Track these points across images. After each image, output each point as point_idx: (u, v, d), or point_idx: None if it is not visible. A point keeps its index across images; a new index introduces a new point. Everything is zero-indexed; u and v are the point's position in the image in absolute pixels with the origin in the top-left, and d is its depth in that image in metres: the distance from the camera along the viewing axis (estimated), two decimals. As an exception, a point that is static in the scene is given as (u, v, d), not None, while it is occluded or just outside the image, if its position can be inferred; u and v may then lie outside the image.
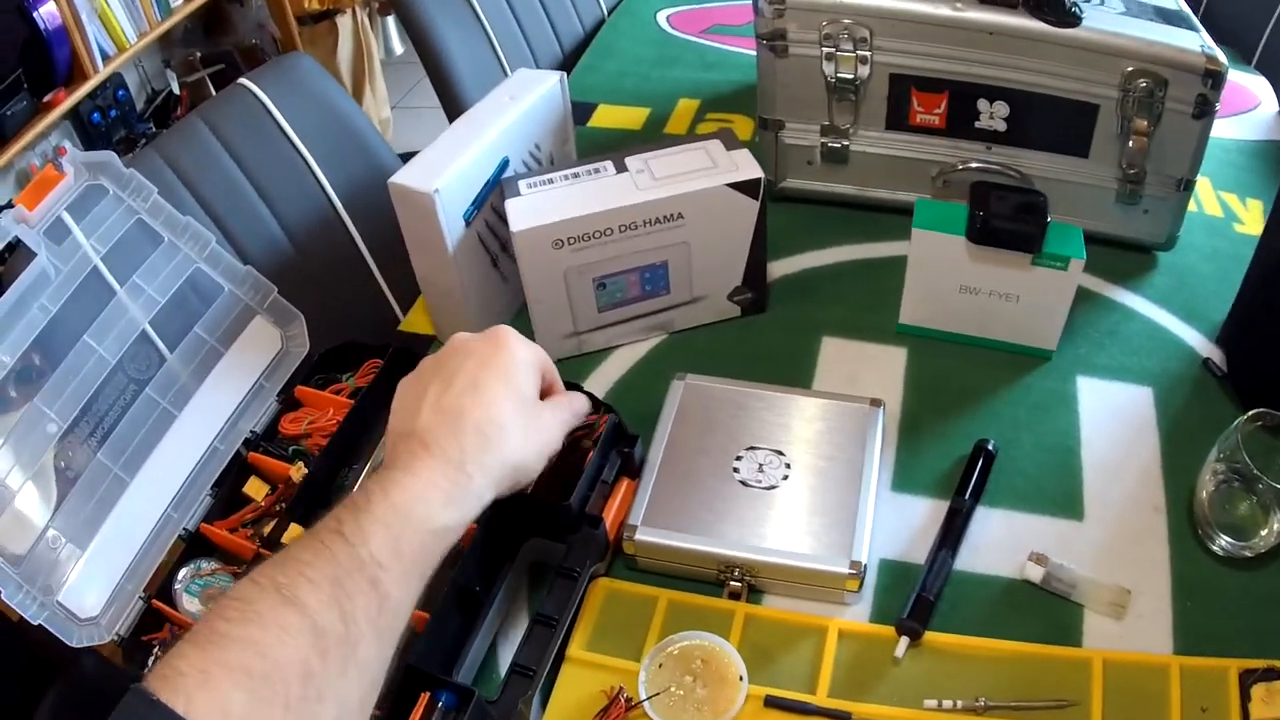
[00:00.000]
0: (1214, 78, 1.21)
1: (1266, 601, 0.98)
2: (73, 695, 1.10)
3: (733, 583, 0.90)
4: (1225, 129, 1.64)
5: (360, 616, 0.59)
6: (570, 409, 0.84)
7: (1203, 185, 1.54)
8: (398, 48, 3.90)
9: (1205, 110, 1.22)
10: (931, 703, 0.87)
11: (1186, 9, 1.34)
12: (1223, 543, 1.00)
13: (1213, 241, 1.38)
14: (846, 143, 1.33)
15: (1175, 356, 1.25)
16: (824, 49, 1.23)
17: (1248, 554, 1.00)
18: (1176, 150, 1.27)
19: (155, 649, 0.84)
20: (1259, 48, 2.12)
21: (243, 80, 1.31)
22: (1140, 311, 1.30)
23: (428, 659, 0.77)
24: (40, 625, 0.80)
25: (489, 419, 0.72)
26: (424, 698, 0.75)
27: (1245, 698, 0.90)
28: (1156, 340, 1.26)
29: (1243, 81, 1.79)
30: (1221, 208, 1.46)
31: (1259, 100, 1.73)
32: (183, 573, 0.87)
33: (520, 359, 0.77)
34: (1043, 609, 0.96)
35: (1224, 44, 2.01)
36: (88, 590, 0.84)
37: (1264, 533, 0.99)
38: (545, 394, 0.82)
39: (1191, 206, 1.49)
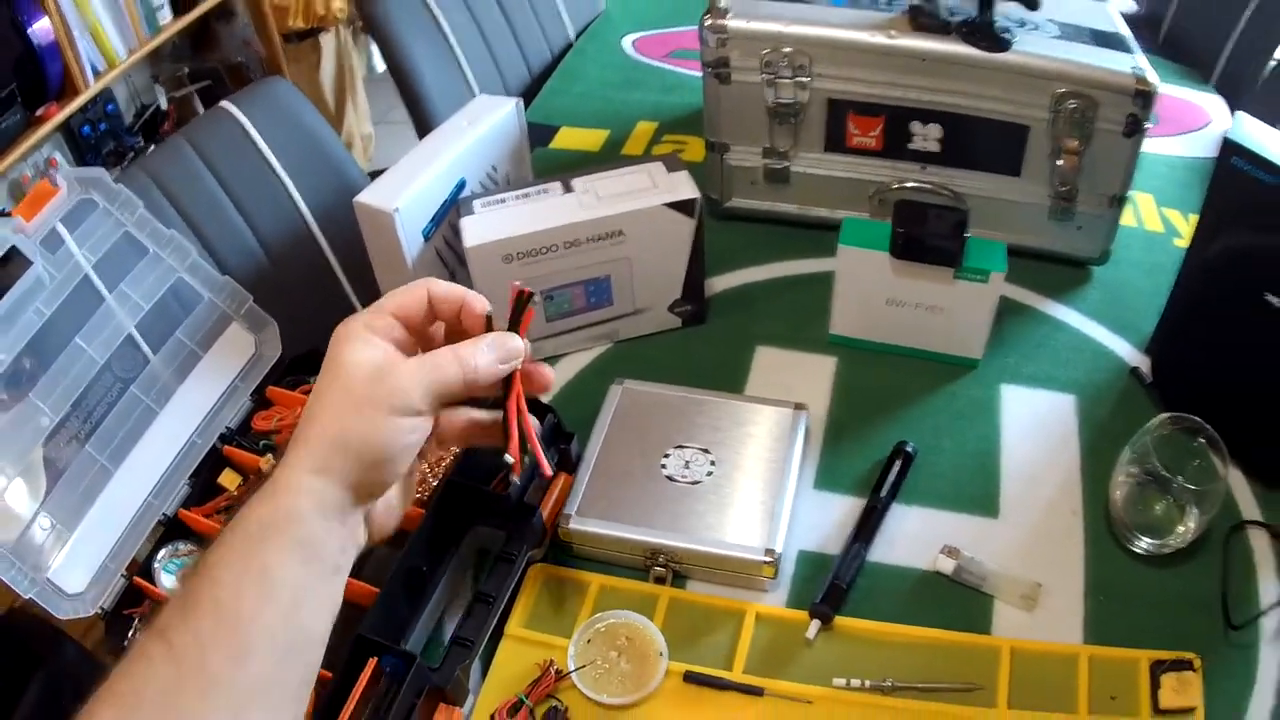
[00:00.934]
0: (1144, 97, 1.32)
1: (1180, 598, 1.09)
2: (56, 683, 1.23)
3: (657, 568, 1.03)
4: (1174, 146, 1.76)
5: (206, 635, 0.58)
6: (450, 357, 0.64)
7: (1145, 201, 1.66)
8: (380, 65, 4.05)
9: (1136, 129, 1.34)
10: (840, 681, 0.98)
11: (1124, 30, 1.45)
12: (1143, 543, 1.11)
13: (1151, 256, 1.49)
14: (787, 164, 1.45)
15: (1103, 367, 1.36)
16: (765, 75, 1.36)
17: (1167, 551, 1.11)
18: (1108, 168, 1.39)
19: (135, 621, 0.97)
20: (1218, 68, 2.26)
21: (224, 103, 1.44)
22: (1070, 324, 1.42)
23: (376, 630, 0.89)
24: (26, 608, 0.93)
25: (305, 418, 0.63)
26: (371, 663, 0.87)
27: (1155, 686, 1.00)
28: (1085, 351, 1.38)
29: (1197, 100, 1.92)
30: (1163, 223, 1.57)
31: (1211, 119, 1.86)
32: (161, 553, 1.00)
33: (347, 333, 0.64)
34: (954, 600, 1.07)
35: (1184, 64, 2.16)
36: (74, 569, 0.96)
37: (1180, 530, 1.10)
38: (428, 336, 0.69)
39: (1132, 221, 1.62)
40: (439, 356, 0.63)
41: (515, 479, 0.72)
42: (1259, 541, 1.15)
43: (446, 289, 0.67)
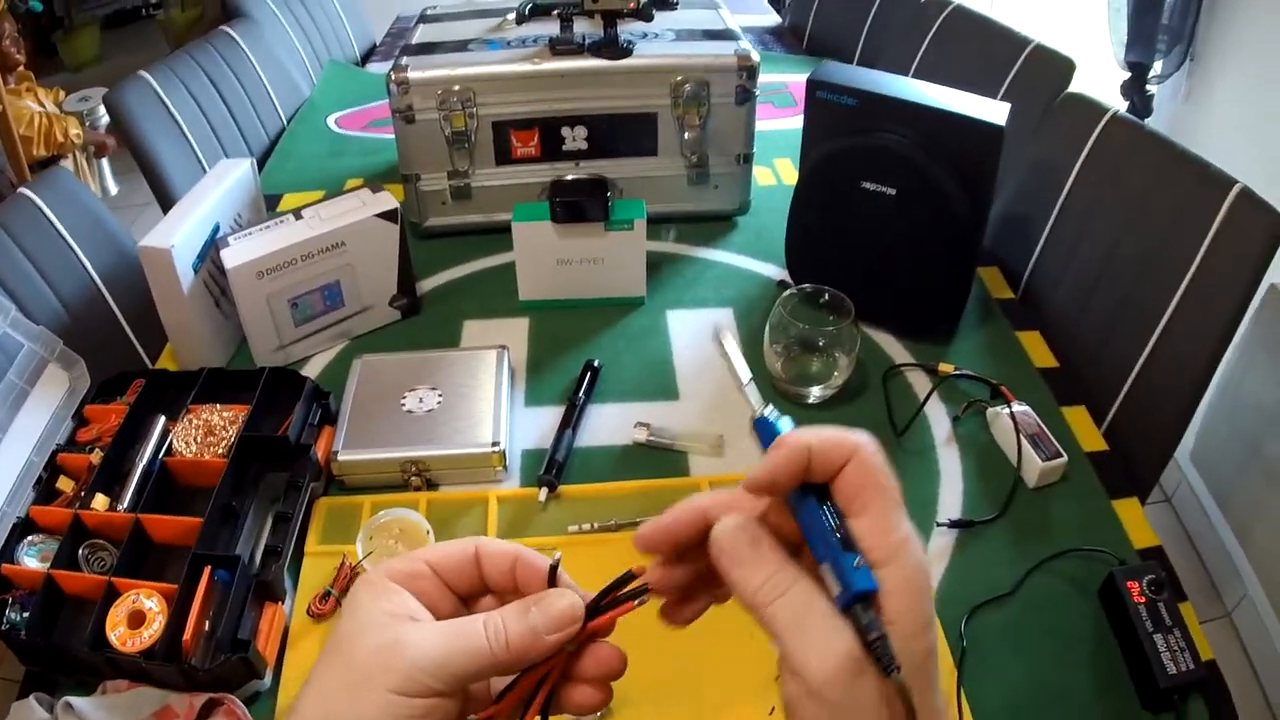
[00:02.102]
0: (748, 70, 1.77)
1: (854, 425, 1.45)
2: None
3: (414, 478, 1.37)
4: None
5: None
6: (478, 625, 0.52)
7: (784, 164, 2.14)
8: (113, 188, 4.42)
9: (746, 97, 1.79)
10: (574, 528, 1.32)
11: (733, 26, 1.90)
12: (813, 393, 1.49)
13: (788, 203, 1.81)
14: (468, 181, 1.83)
15: (753, 284, 1.79)
16: (441, 112, 1.74)
17: (833, 393, 1.49)
18: (730, 133, 1.83)
19: (8, 601, 1.22)
20: (857, 53, 2.80)
21: (22, 190, 1.75)
22: (721, 260, 1.85)
23: (205, 548, 1.21)
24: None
25: (304, 686, 0.51)
26: (206, 571, 1.17)
27: None
28: (736, 277, 1.81)
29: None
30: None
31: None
32: (20, 545, 1.26)
33: (365, 581, 0.54)
34: (654, 460, 1.43)
35: (827, 55, 2.67)
36: (-51, 568, 1.25)
37: (836, 374, 1.49)
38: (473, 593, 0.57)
39: (771, 180, 2.08)
40: (462, 627, 0.51)
41: None
42: (915, 378, 1.58)
43: (497, 547, 0.56)
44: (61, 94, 4.04)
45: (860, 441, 0.51)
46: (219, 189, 1.62)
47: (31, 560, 1.26)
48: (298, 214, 1.58)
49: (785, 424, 0.56)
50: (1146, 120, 2.69)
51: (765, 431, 0.55)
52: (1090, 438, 1.47)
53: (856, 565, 0.47)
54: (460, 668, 0.49)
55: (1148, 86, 2.68)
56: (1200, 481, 2.68)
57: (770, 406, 0.57)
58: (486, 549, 0.55)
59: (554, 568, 0.54)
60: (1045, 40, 2.04)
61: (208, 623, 1.15)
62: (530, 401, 1.54)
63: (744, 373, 0.60)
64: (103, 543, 1.27)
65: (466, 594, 0.56)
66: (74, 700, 1.09)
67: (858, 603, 0.47)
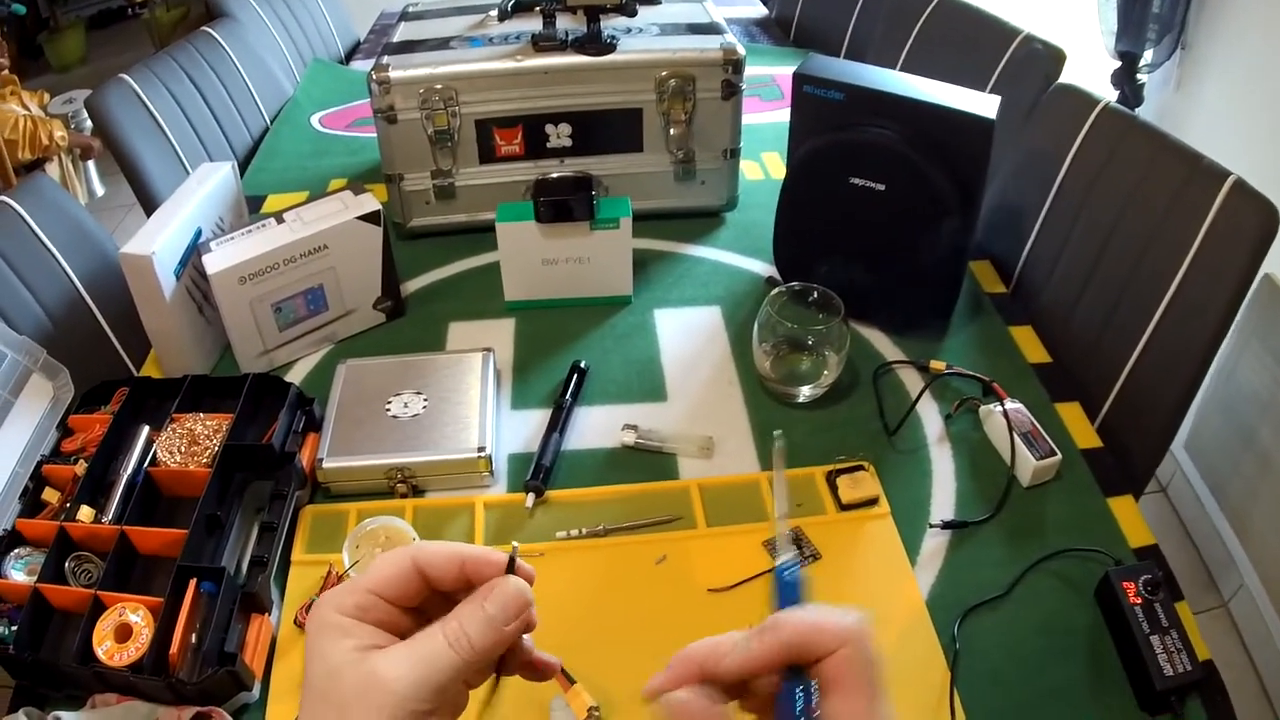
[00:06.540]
0: (734, 65, 1.76)
1: (844, 425, 1.45)
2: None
3: (399, 485, 1.35)
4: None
5: None
6: (440, 642, 0.52)
7: (772, 158, 2.12)
8: (99, 189, 4.43)
9: (732, 91, 1.77)
10: (562, 534, 1.30)
11: (718, 19, 1.89)
12: (803, 392, 1.48)
13: (776, 199, 1.81)
14: (452, 180, 1.82)
15: (741, 281, 1.77)
16: (423, 111, 1.72)
17: (823, 392, 1.48)
18: (716, 128, 1.82)
19: None
20: (844, 44, 2.79)
21: (2, 198, 1.72)
22: (709, 258, 1.84)
23: (190, 559, 1.19)
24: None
25: None
26: (192, 583, 1.16)
27: (834, 489, 1.34)
28: (723, 274, 1.79)
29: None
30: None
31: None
32: (8, 558, 1.26)
33: (318, 625, 0.53)
34: (642, 462, 1.42)
35: (814, 47, 2.65)
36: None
37: (826, 373, 1.48)
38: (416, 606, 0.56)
39: (759, 175, 2.07)
40: (428, 644, 0.51)
41: None
42: (906, 375, 1.56)
43: (438, 555, 0.55)
44: (46, 97, 4.03)
45: (853, 633, 0.50)
46: (200, 193, 1.60)
47: (18, 574, 1.25)
48: (279, 217, 1.56)
49: (801, 584, 0.55)
50: (1137, 110, 2.68)
51: (782, 590, 0.55)
52: (1084, 434, 1.46)
53: None
54: (439, 683, 0.50)
55: (1138, 75, 2.68)
56: (1195, 471, 2.67)
57: (792, 556, 0.56)
58: (427, 559, 0.55)
59: (513, 559, 0.55)
60: (1034, 30, 2.02)
61: (194, 635, 1.15)
62: (517, 404, 1.53)
63: (782, 505, 0.60)
64: (89, 555, 1.26)
65: (419, 606, 0.56)
66: (63, 715, 1.08)
67: None
